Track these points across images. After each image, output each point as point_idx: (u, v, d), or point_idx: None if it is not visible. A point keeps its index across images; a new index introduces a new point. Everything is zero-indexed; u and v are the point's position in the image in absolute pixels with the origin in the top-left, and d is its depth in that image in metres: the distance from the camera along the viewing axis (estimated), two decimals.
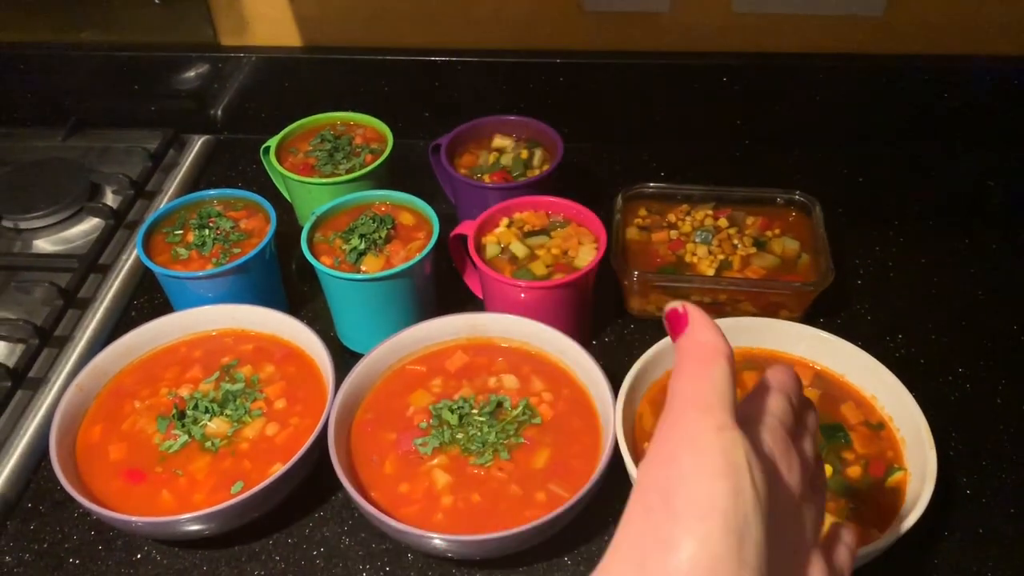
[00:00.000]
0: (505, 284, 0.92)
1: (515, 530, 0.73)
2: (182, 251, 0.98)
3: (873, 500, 0.78)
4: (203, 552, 0.83)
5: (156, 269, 0.96)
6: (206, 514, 0.76)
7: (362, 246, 0.94)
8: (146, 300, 1.10)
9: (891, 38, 1.20)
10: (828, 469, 0.79)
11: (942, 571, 0.79)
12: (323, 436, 0.81)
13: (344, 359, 0.98)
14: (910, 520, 0.72)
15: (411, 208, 1.01)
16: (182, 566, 0.82)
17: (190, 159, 1.31)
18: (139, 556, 0.83)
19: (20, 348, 0.99)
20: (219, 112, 1.37)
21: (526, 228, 0.99)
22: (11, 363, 0.96)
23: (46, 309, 1.03)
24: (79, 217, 1.19)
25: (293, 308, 1.07)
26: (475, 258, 0.93)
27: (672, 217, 1.06)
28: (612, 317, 1.04)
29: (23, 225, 1.17)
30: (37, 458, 0.92)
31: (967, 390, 0.94)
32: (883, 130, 1.27)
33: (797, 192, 1.06)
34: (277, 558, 0.83)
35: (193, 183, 1.29)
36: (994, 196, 1.20)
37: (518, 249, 0.96)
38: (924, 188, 1.22)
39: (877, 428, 0.83)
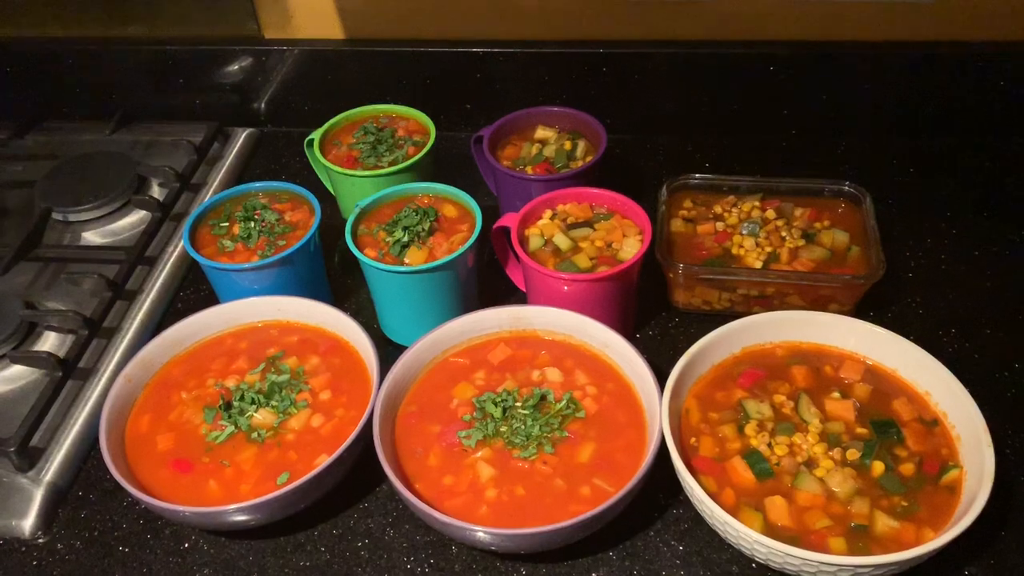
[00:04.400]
0: (548, 277, 0.91)
1: (559, 525, 0.72)
2: (228, 243, 0.99)
3: (927, 499, 0.76)
4: (249, 542, 0.84)
5: (202, 261, 0.96)
6: (252, 505, 0.77)
7: (405, 238, 0.94)
8: (192, 292, 1.11)
9: (944, 24, 1.17)
10: (880, 466, 0.78)
11: (997, 571, 0.77)
12: (368, 428, 0.81)
13: (387, 351, 0.98)
14: (966, 520, 0.70)
15: (454, 200, 1.00)
16: (228, 556, 0.83)
17: (234, 152, 1.32)
18: (187, 545, 0.84)
19: (70, 339, 1.01)
20: (263, 105, 1.37)
21: (569, 220, 0.98)
22: (62, 353, 0.98)
23: (95, 300, 1.04)
24: (126, 209, 1.21)
25: (337, 300, 1.07)
26: (518, 251, 0.93)
27: (718, 209, 1.05)
28: (657, 310, 1.02)
29: (72, 218, 1.19)
30: (88, 447, 0.94)
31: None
32: (934, 119, 1.24)
33: (847, 183, 1.03)
34: (322, 549, 0.83)
35: (237, 176, 1.30)
36: None
37: (561, 241, 0.95)
38: (977, 179, 1.18)
39: (931, 425, 0.81)
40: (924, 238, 1.09)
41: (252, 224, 1.00)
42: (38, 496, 0.88)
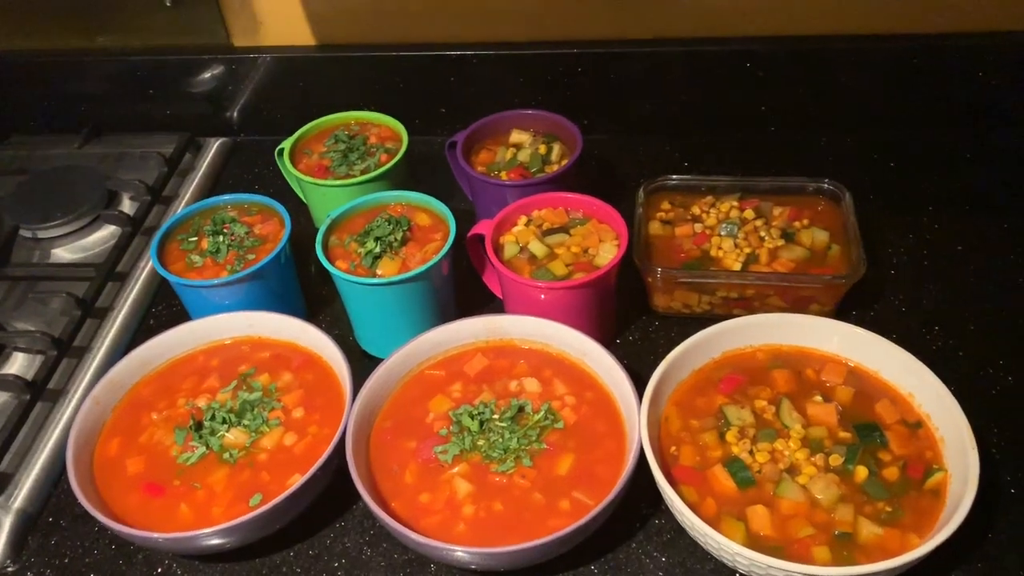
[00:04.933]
0: (524, 285, 0.89)
1: (538, 541, 0.71)
2: (196, 258, 0.97)
3: (912, 504, 0.75)
4: (224, 565, 0.82)
5: (170, 278, 0.94)
6: (225, 528, 0.75)
7: (377, 249, 0.92)
8: (164, 308, 1.09)
9: (920, 17, 1.15)
10: (863, 471, 0.76)
11: (986, 575, 0.75)
12: (341, 446, 0.79)
13: (364, 363, 0.96)
14: (951, 526, 0.68)
15: (427, 208, 0.98)
16: None
17: (206, 163, 1.30)
18: (159, 570, 0.83)
19: (39, 360, 0.99)
20: (235, 114, 1.35)
21: (545, 226, 0.96)
22: (29, 375, 0.96)
23: (64, 319, 1.02)
24: (96, 225, 1.19)
25: (312, 312, 1.05)
26: (493, 259, 0.91)
27: (696, 210, 1.03)
28: (636, 315, 1.01)
29: (41, 234, 1.17)
30: (58, 471, 0.92)
31: (1008, 383, 0.90)
32: (914, 115, 1.23)
33: (826, 180, 1.02)
34: (298, 570, 0.81)
35: (210, 187, 1.28)
36: None
37: (537, 248, 0.93)
38: (958, 174, 1.17)
39: (915, 427, 0.80)
40: (906, 234, 1.08)
41: (221, 238, 0.98)
42: (7, 523, 0.86)
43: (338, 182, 1.03)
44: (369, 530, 0.84)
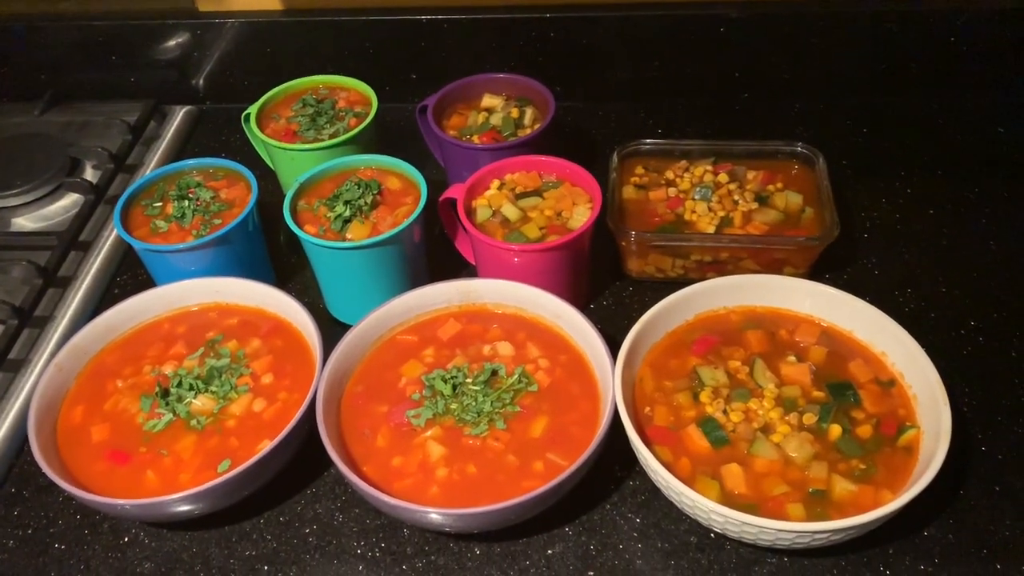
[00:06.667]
0: (497, 248, 0.88)
1: (512, 502, 0.70)
2: (161, 224, 0.95)
3: (885, 460, 0.75)
4: (192, 533, 0.81)
5: (135, 243, 0.92)
6: (193, 494, 0.73)
7: (347, 213, 0.91)
8: (129, 277, 1.07)
9: None
10: (836, 429, 0.76)
11: (957, 530, 0.76)
12: (311, 410, 0.78)
13: (334, 331, 0.94)
14: (924, 481, 0.69)
15: (398, 172, 0.97)
16: (171, 548, 0.80)
17: (172, 131, 1.27)
18: (127, 539, 0.81)
19: None
20: (201, 81, 1.32)
21: (518, 190, 0.95)
22: None
23: (25, 289, 1.00)
24: (58, 193, 1.16)
25: (282, 280, 1.03)
26: (465, 222, 0.90)
27: (670, 174, 1.02)
28: (610, 280, 1.00)
29: (0, 203, 1.14)
30: (19, 442, 0.89)
31: (980, 343, 0.91)
32: (887, 80, 1.23)
33: (799, 144, 1.02)
34: (268, 537, 0.80)
35: (175, 155, 1.25)
36: (1004, 143, 1.16)
37: (510, 212, 0.92)
38: (931, 137, 1.17)
39: (888, 385, 0.80)
40: (879, 198, 1.08)
41: (186, 203, 0.96)
42: None
43: (306, 146, 1.02)
44: (341, 495, 0.83)
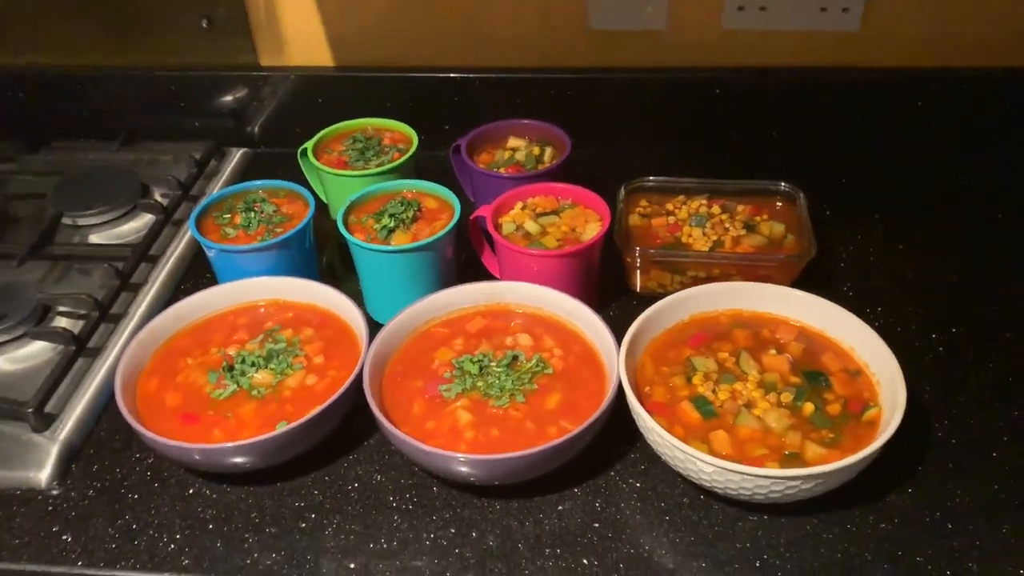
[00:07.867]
0: (520, 254, 1.02)
1: (529, 451, 0.82)
2: (230, 231, 1.10)
3: (851, 432, 0.87)
4: (248, 487, 0.92)
5: (207, 243, 1.07)
6: (251, 444, 0.85)
7: (392, 224, 1.05)
8: (191, 284, 1.21)
9: (868, 51, 1.33)
10: (810, 407, 0.89)
11: (916, 499, 0.87)
12: (357, 382, 0.91)
13: (374, 331, 1.08)
14: (882, 439, 0.80)
15: (435, 195, 1.12)
16: (230, 500, 0.92)
17: (230, 168, 1.44)
18: (191, 491, 0.93)
19: (81, 324, 1.10)
20: (256, 128, 1.49)
21: (538, 210, 1.10)
22: (75, 331, 1.06)
23: (104, 290, 1.14)
24: (132, 215, 1.31)
25: None
26: (493, 232, 1.04)
27: (670, 206, 1.17)
28: (617, 295, 1.14)
29: (81, 222, 1.29)
30: (97, 413, 1.02)
31: (940, 352, 1.04)
32: (863, 134, 1.39)
33: (783, 183, 1.17)
34: (315, 492, 0.92)
35: None
36: (964, 191, 1.31)
37: (531, 227, 1.06)
38: (902, 186, 1.33)
39: (855, 374, 0.93)
40: (854, 235, 1.23)
41: (252, 215, 1.11)
42: (53, 452, 0.95)
43: (356, 173, 1.17)
44: (379, 460, 0.94)
